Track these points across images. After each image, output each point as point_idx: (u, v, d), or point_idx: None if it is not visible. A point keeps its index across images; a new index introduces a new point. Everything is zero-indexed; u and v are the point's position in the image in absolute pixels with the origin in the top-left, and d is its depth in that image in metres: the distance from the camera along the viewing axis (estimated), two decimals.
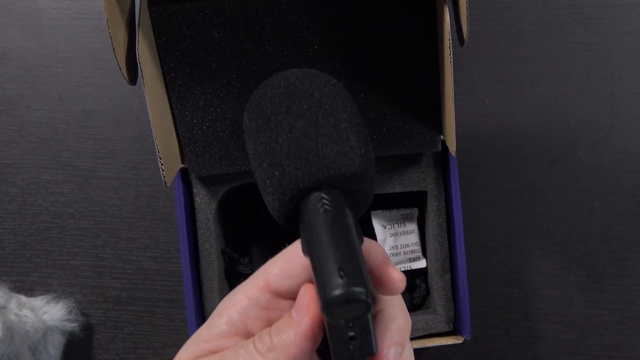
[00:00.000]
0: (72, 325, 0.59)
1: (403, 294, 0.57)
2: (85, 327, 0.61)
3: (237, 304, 0.30)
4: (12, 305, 0.57)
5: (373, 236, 0.56)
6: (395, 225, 0.56)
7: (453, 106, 0.45)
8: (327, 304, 0.24)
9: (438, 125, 0.51)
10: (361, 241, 0.27)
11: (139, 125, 0.62)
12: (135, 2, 0.46)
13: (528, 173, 0.62)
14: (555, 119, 0.62)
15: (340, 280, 0.24)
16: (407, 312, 0.30)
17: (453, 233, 0.53)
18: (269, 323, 0.29)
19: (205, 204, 0.53)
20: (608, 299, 0.61)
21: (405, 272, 0.57)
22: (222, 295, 0.54)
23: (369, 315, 0.26)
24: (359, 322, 0.25)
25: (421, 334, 0.53)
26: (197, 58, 0.49)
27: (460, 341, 0.52)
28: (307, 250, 0.27)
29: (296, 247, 0.29)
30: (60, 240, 0.63)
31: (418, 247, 0.57)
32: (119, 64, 0.42)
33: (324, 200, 0.27)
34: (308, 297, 0.27)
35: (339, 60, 0.49)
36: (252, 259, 0.57)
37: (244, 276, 0.56)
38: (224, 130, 0.51)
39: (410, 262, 0.56)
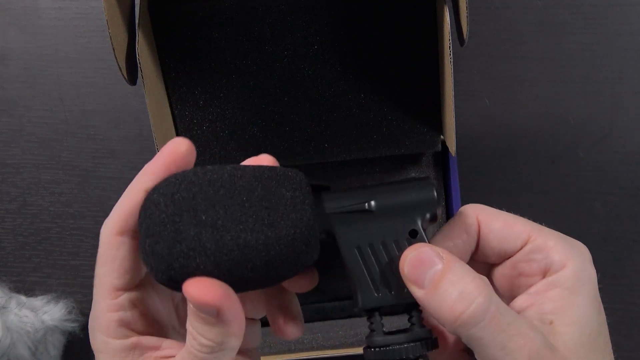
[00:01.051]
0: (72, 325, 0.59)
1: None
2: (85, 327, 0.61)
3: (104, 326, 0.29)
4: (12, 305, 0.57)
5: None
6: None
7: (453, 106, 0.45)
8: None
9: (438, 125, 0.51)
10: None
11: (139, 125, 0.62)
12: (135, 2, 0.46)
13: (528, 173, 0.62)
14: (555, 119, 0.62)
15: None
16: None
17: None
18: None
19: None
20: (608, 299, 0.61)
21: None
22: None
23: None
24: None
25: None
26: (197, 58, 0.49)
27: None
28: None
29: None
30: (60, 240, 0.63)
31: None
32: (119, 64, 0.42)
33: None
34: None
35: (339, 60, 0.49)
36: None
37: None
38: (224, 130, 0.51)
39: None
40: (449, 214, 0.54)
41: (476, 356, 0.28)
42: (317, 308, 0.56)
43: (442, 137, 0.52)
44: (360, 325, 0.53)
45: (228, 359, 0.28)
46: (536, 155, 0.62)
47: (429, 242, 0.30)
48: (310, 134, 0.51)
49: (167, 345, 0.30)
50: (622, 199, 0.62)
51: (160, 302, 0.31)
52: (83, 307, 0.62)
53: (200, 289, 0.25)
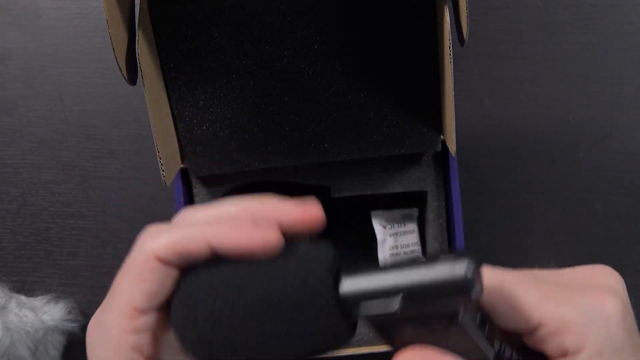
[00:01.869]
0: (72, 325, 0.59)
1: None
2: (85, 327, 0.61)
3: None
4: (12, 305, 0.57)
5: (373, 236, 0.56)
6: (395, 225, 0.56)
7: (453, 106, 0.45)
8: None
9: (438, 125, 0.51)
10: None
11: (139, 125, 0.62)
12: (135, 2, 0.46)
13: (528, 173, 0.62)
14: (555, 119, 0.62)
15: None
16: None
17: (453, 233, 0.53)
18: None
19: (205, 204, 0.53)
20: None
21: None
22: None
23: None
24: None
25: None
26: (197, 58, 0.49)
27: None
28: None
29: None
30: (60, 240, 0.63)
31: (418, 247, 0.56)
32: (119, 64, 0.42)
33: None
34: None
35: (339, 60, 0.49)
36: None
37: None
38: (224, 130, 0.51)
39: None
40: (449, 214, 0.54)
41: None
42: None
43: (442, 137, 0.52)
44: (360, 325, 0.53)
45: None
46: (536, 155, 0.62)
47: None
48: (310, 134, 0.51)
49: None
50: (622, 199, 0.62)
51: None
52: (83, 307, 0.62)
53: None
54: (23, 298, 0.59)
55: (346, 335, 0.28)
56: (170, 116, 0.50)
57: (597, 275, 0.29)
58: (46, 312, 0.58)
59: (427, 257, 0.27)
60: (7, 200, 0.63)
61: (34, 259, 0.63)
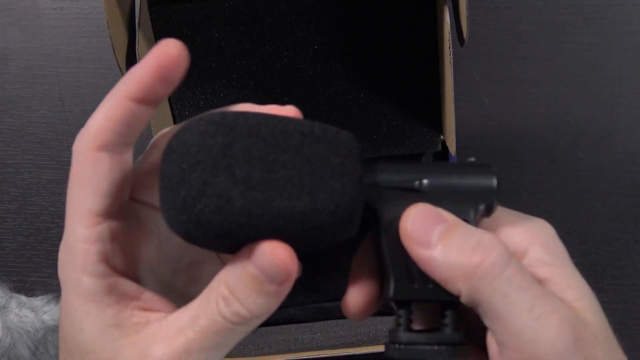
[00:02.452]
0: None
1: None
2: None
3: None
4: (12, 305, 0.57)
5: None
6: None
7: (453, 106, 0.45)
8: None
9: (438, 125, 0.51)
10: None
11: None
12: (135, 2, 0.46)
13: (528, 173, 0.62)
14: (555, 119, 0.62)
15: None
16: None
17: None
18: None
19: None
20: (608, 299, 0.61)
21: None
22: None
23: None
24: None
25: None
26: (197, 58, 0.49)
27: None
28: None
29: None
30: (60, 240, 0.63)
31: None
32: (119, 64, 0.42)
33: None
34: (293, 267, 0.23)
35: (339, 60, 0.49)
36: None
37: None
38: None
39: None
40: None
41: (495, 330, 0.24)
42: (317, 308, 0.56)
43: (442, 137, 0.52)
44: (361, 325, 0.53)
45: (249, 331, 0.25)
46: (536, 155, 0.62)
47: None
48: None
49: (149, 298, 0.25)
50: (622, 199, 0.62)
51: (145, 241, 0.27)
52: None
53: (279, 252, 0.23)
54: (23, 298, 0.59)
55: (352, 227, 0.25)
56: (170, 116, 0.50)
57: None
58: (46, 312, 0.58)
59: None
60: (7, 200, 0.63)
61: (34, 259, 0.63)
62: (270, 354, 0.52)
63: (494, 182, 0.27)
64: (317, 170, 0.24)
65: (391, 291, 0.26)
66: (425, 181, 0.26)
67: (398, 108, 0.51)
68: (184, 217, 0.23)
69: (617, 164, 0.61)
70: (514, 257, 0.25)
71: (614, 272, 0.61)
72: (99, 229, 0.24)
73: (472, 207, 0.27)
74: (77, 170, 0.25)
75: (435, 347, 0.26)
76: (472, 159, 0.29)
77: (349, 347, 0.52)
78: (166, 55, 0.24)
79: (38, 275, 0.63)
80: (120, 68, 0.42)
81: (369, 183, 0.26)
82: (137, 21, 0.45)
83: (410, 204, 0.26)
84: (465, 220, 0.26)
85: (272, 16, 0.48)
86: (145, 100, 0.25)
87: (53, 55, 0.63)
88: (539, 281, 0.25)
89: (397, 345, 0.26)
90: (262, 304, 0.23)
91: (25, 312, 0.57)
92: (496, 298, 0.24)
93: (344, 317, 0.56)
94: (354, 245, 0.29)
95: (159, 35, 0.48)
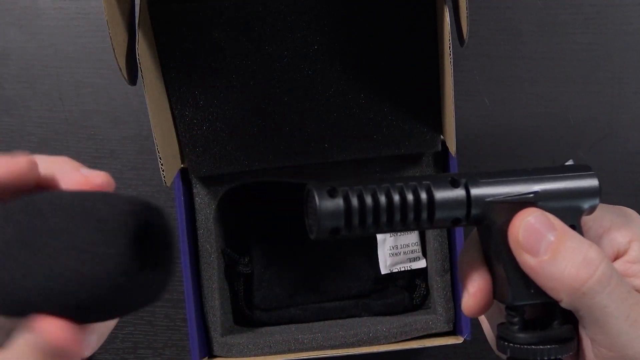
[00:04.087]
0: None
1: (403, 294, 0.57)
2: None
3: None
4: None
5: (373, 236, 0.56)
6: None
7: (453, 106, 0.45)
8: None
9: (438, 125, 0.51)
10: None
11: (139, 125, 0.62)
12: (135, 2, 0.46)
13: None
14: (555, 119, 0.62)
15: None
16: None
17: (453, 233, 0.53)
18: None
19: (205, 204, 0.53)
20: None
21: (405, 272, 0.57)
22: (222, 295, 0.54)
23: None
24: None
25: (421, 333, 0.53)
26: (197, 58, 0.49)
27: (460, 341, 0.52)
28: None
29: None
30: None
31: (418, 247, 0.57)
32: (119, 64, 0.42)
33: None
34: None
35: (339, 60, 0.49)
36: (252, 259, 0.57)
37: (244, 276, 0.56)
38: (224, 130, 0.51)
39: (410, 262, 0.56)
40: None
41: (590, 331, 0.27)
42: (317, 308, 0.56)
43: (442, 137, 0.52)
44: (360, 325, 0.53)
45: None
46: (536, 155, 0.62)
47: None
48: (310, 134, 0.51)
49: None
50: (622, 199, 0.61)
51: None
52: None
53: (51, 328, 0.24)
54: None
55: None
56: (170, 116, 0.50)
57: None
58: None
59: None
60: None
61: None
62: (270, 354, 0.52)
63: (597, 183, 0.29)
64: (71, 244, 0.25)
65: (509, 297, 0.28)
66: (537, 190, 0.28)
67: (398, 108, 0.51)
68: None
69: (617, 164, 0.61)
70: (615, 270, 0.27)
71: None
72: None
73: (578, 209, 0.29)
74: None
75: (552, 346, 0.28)
76: (570, 161, 0.31)
77: (349, 347, 0.52)
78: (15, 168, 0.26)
79: None
80: (120, 68, 0.42)
81: (481, 199, 0.28)
82: (137, 21, 0.45)
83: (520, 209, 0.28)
84: (572, 226, 0.28)
85: (272, 16, 0.48)
86: None
87: (53, 55, 0.63)
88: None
89: (516, 346, 0.28)
90: None
91: None
92: (596, 309, 0.26)
93: (344, 317, 0.57)
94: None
95: (159, 35, 0.48)
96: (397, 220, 0.27)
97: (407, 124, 0.51)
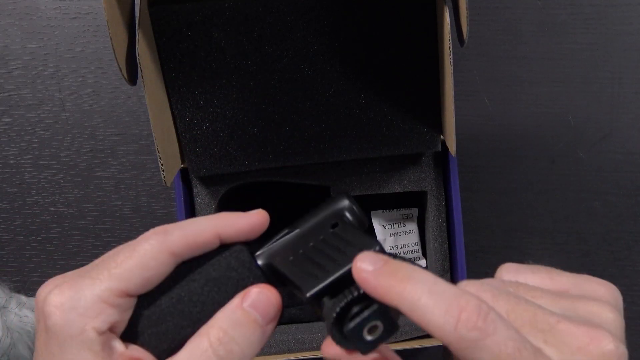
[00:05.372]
0: None
1: None
2: None
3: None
4: (12, 305, 0.57)
5: (373, 236, 0.56)
6: (395, 225, 0.56)
7: (453, 106, 0.45)
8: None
9: (438, 125, 0.51)
10: None
11: (139, 125, 0.62)
12: (135, 2, 0.46)
13: (528, 173, 0.62)
14: (555, 119, 0.62)
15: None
16: None
17: (453, 233, 0.53)
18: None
19: (205, 204, 0.53)
20: None
21: None
22: None
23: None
24: None
25: (421, 333, 0.53)
26: (197, 58, 0.49)
27: None
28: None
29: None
30: (60, 240, 0.63)
31: (418, 247, 0.57)
32: (119, 64, 0.42)
33: None
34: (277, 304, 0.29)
35: (339, 60, 0.49)
36: None
37: None
38: (224, 130, 0.51)
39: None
40: (449, 214, 0.54)
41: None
42: None
43: (442, 137, 0.52)
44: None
45: None
46: (536, 155, 0.62)
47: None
48: (310, 134, 0.51)
49: (134, 348, 0.29)
50: (622, 199, 0.62)
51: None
52: None
53: (268, 292, 0.29)
54: (23, 298, 0.59)
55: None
56: (170, 116, 0.50)
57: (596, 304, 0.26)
58: None
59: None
60: (7, 200, 0.63)
61: (34, 259, 0.63)
62: (270, 354, 0.52)
63: (347, 199, 0.33)
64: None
65: (304, 291, 0.28)
66: (296, 228, 0.33)
67: (398, 108, 0.51)
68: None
69: (617, 164, 0.62)
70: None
71: (614, 272, 0.61)
72: (121, 301, 0.28)
73: (338, 218, 0.33)
74: (146, 256, 0.28)
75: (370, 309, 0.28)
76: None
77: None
78: (257, 223, 0.32)
79: (38, 275, 0.63)
80: (120, 68, 0.42)
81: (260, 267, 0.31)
82: (137, 21, 0.45)
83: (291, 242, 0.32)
84: (335, 224, 0.32)
85: (272, 16, 0.48)
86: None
87: (53, 55, 0.63)
88: None
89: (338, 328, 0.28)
90: (255, 341, 0.28)
91: (25, 312, 0.57)
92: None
93: None
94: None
95: (159, 35, 0.48)
96: None
97: (407, 124, 0.51)
